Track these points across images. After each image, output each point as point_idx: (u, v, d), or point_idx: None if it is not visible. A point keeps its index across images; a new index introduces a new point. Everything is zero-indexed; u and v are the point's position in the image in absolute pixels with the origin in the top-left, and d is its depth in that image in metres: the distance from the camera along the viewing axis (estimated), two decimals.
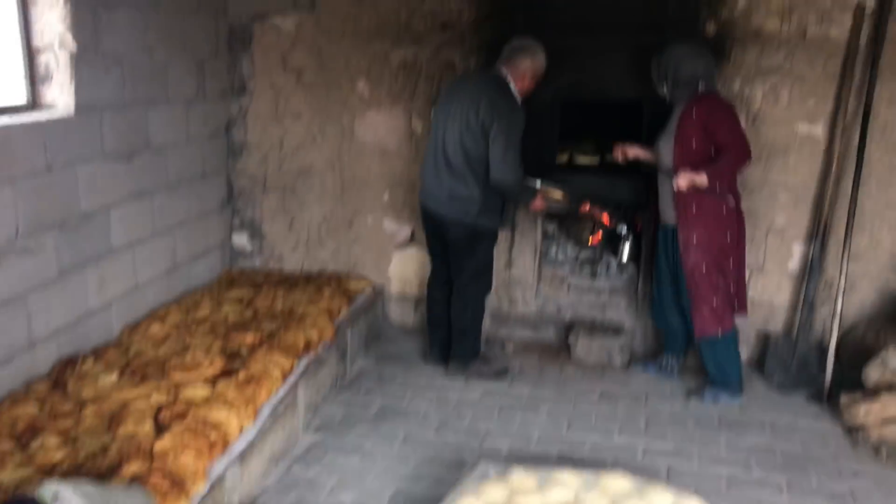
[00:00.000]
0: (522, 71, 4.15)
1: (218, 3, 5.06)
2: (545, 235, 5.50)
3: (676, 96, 4.17)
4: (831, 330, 4.38)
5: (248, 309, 4.57)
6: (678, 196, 4.11)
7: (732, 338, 4.28)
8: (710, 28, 4.60)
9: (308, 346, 4.10)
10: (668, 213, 4.30)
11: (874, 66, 4.33)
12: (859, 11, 4.34)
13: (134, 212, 4.30)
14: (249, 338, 4.04)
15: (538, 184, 4.67)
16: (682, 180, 4.01)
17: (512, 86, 4.14)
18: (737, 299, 4.26)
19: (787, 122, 4.58)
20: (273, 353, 3.84)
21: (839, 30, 4.41)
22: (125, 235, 4.23)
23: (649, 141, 4.70)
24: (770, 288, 4.79)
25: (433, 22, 4.96)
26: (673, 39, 4.42)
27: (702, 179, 3.98)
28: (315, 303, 4.67)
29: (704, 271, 4.13)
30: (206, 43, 4.96)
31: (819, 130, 4.54)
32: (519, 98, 4.17)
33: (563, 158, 5.25)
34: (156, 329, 4.16)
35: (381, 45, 5.06)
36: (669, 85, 4.15)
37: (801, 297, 4.67)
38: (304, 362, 4.00)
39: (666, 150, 4.21)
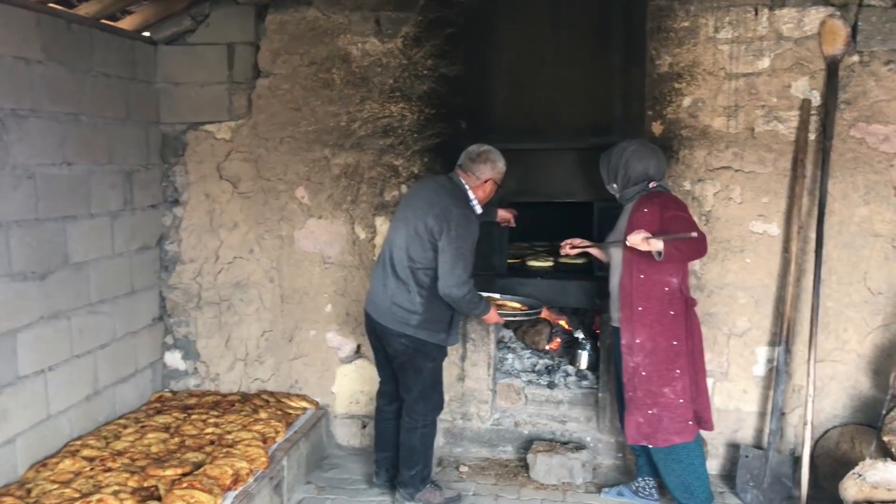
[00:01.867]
0: (483, 179, 3.96)
1: (149, 111, 4.86)
2: (500, 343, 5.22)
3: (627, 195, 3.92)
4: (804, 440, 4.10)
5: (175, 437, 4.17)
6: (622, 293, 3.81)
7: (687, 450, 3.85)
8: (657, 128, 4.49)
9: (237, 480, 3.70)
10: (615, 314, 3.96)
11: (825, 162, 4.22)
12: (806, 106, 4.25)
13: (47, 335, 3.95)
14: (170, 473, 3.63)
15: (499, 298, 4.48)
16: (636, 236, 3.55)
17: (470, 194, 3.93)
18: (693, 415, 3.81)
19: (741, 221, 4.43)
20: (194, 490, 3.44)
21: (787, 126, 4.32)
22: (35, 362, 3.86)
23: (601, 238, 4.55)
24: (735, 395, 4.53)
25: (375, 126, 4.81)
26: (621, 138, 4.32)
27: (657, 245, 3.52)
28: (249, 427, 4.30)
29: (644, 375, 3.78)
30: (136, 153, 4.73)
31: (774, 228, 4.39)
32: (479, 207, 3.96)
33: (514, 262, 5.04)
34: (66, 466, 3.75)
35: (321, 151, 4.88)
36: (619, 184, 3.93)
37: (770, 404, 4.41)
38: (230, 499, 3.59)
39: (615, 248, 3.92)
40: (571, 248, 4.25)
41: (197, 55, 4.90)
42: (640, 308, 3.74)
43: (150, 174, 4.89)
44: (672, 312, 3.75)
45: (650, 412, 3.79)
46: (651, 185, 3.85)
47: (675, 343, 3.74)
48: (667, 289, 3.72)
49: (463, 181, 3.95)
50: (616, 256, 3.91)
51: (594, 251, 4.26)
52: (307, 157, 4.89)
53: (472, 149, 4.01)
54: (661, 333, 3.73)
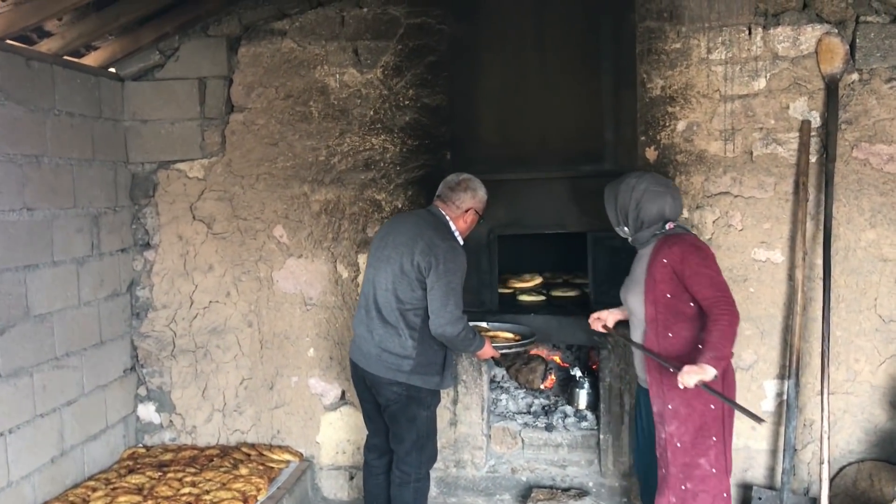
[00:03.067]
0: (464, 209, 3.72)
1: (117, 150, 4.61)
2: (493, 383, 4.97)
3: (640, 239, 3.42)
4: (819, 478, 3.87)
5: (148, 500, 3.87)
6: (655, 357, 3.29)
7: None
8: (650, 154, 4.30)
9: None
10: (642, 374, 3.48)
11: (828, 185, 4.04)
12: (805, 127, 4.08)
13: (6, 394, 3.66)
14: None
15: (486, 326, 4.24)
16: (689, 378, 3.02)
17: (451, 226, 3.70)
18: (725, 492, 3.30)
19: (743, 249, 4.23)
20: None
21: (786, 148, 4.14)
22: None
23: (596, 273, 4.34)
24: (744, 432, 4.28)
25: (355, 160, 4.59)
26: (613, 165, 4.13)
27: (709, 374, 3.00)
28: (228, 485, 4.02)
29: (679, 447, 3.26)
30: (103, 194, 4.46)
31: (778, 255, 4.19)
32: (461, 238, 3.72)
33: (505, 297, 4.81)
34: None
35: (299, 188, 4.64)
36: (631, 227, 3.43)
37: (781, 440, 4.17)
38: None
39: (635, 302, 3.41)
40: (604, 328, 3.74)
41: (166, 90, 4.67)
42: (672, 370, 3.17)
43: (118, 217, 4.62)
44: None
45: (683, 487, 3.26)
46: (668, 226, 3.36)
47: (712, 407, 3.23)
48: (700, 346, 3.15)
49: (443, 212, 3.72)
50: (637, 311, 3.42)
51: (623, 316, 3.70)
52: (285, 194, 4.65)
53: (451, 178, 3.79)
54: (695, 396, 3.20)
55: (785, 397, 4.17)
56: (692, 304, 3.23)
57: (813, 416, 4.17)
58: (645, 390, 3.47)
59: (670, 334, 3.26)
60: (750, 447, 4.29)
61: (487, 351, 3.81)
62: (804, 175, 4.09)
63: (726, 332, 3.07)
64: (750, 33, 4.15)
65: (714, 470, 3.26)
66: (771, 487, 4.20)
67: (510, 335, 4.22)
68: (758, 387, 4.25)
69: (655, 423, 3.35)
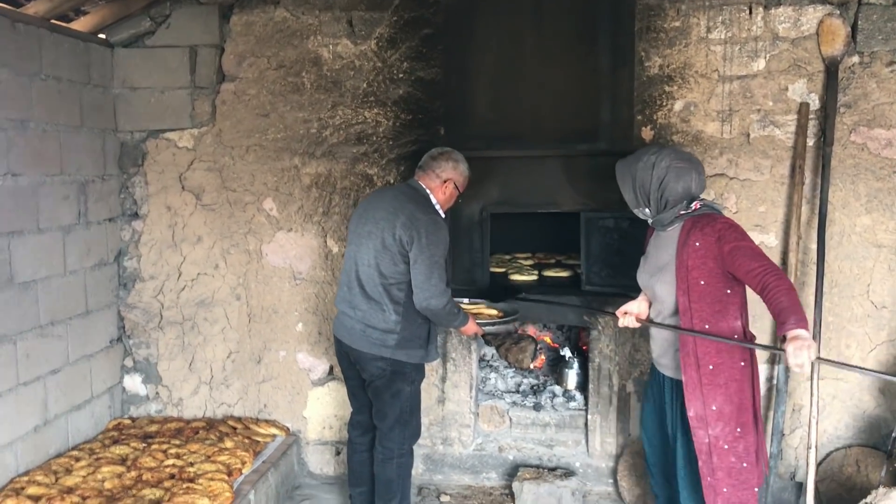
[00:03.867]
0: (444, 178, 3.66)
1: (105, 118, 4.54)
2: (482, 362, 4.94)
3: (664, 220, 3.17)
4: (807, 464, 3.85)
5: (132, 471, 3.83)
6: (682, 351, 3.08)
7: None
8: (646, 133, 4.25)
9: None
10: (666, 364, 3.26)
11: (825, 169, 3.99)
12: (804, 110, 4.03)
13: None
14: None
15: (468, 303, 4.19)
16: (799, 355, 2.63)
17: (432, 198, 3.65)
18: (757, 487, 3.12)
19: None
20: None
21: (784, 131, 4.09)
22: None
23: (588, 254, 4.30)
24: None
25: (347, 133, 4.52)
26: (609, 144, 4.09)
27: (809, 338, 2.67)
28: (213, 458, 3.98)
29: (726, 448, 3.05)
30: (91, 162, 4.40)
31: (772, 239, 4.15)
32: (442, 212, 3.67)
33: (496, 276, 4.78)
34: None
35: (290, 160, 4.58)
36: (653, 208, 3.17)
37: (770, 425, 4.16)
38: None
39: (664, 291, 3.17)
40: (635, 321, 3.47)
41: (157, 58, 4.58)
42: (710, 367, 3.00)
43: (106, 185, 4.56)
44: (742, 363, 3.04)
45: (725, 490, 3.06)
46: (694, 205, 3.13)
47: (752, 399, 3.07)
48: (735, 336, 3.02)
49: (423, 185, 3.67)
50: (667, 301, 3.17)
51: (645, 306, 3.49)
52: (275, 167, 4.58)
53: (434, 149, 3.75)
54: (737, 392, 3.02)
55: (774, 382, 4.15)
56: (729, 292, 3.02)
57: (802, 402, 4.16)
58: (670, 381, 3.26)
59: (707, 326, 3.03)
60: None
61: (471, 327, 3.78)
62: (801, 158, 4.05)
63: (792, 294, 2.76)
64: (751, 13, 4.09)
65: (744, 464, 3.08)
66: None
67: (493, 312, 4.17)
68: None
69: (693, 427, 3.08)
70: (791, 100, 4.08)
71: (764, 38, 4.08)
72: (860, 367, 3.30)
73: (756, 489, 3.09)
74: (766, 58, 4.09)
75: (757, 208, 4.15)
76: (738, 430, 3.04)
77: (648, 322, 3.37)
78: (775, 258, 4.14)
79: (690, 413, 3.07)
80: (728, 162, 4.16)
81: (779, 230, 4.14)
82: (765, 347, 3.04)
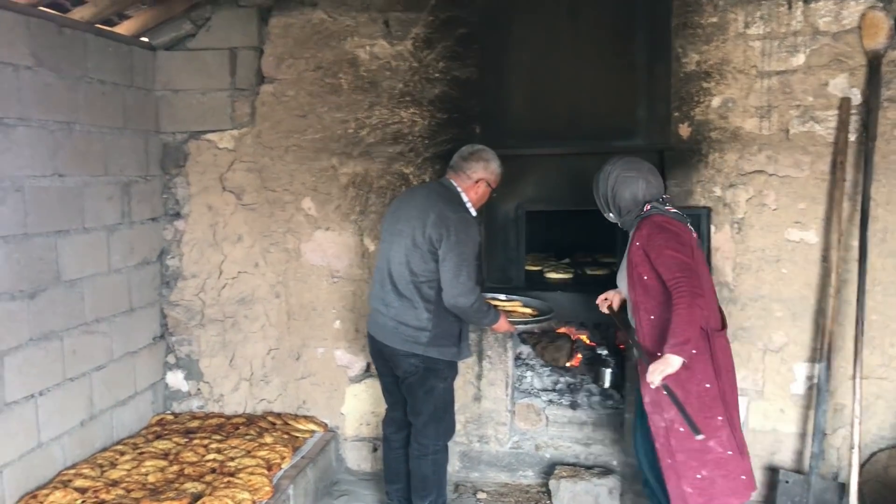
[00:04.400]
0: (475, 179, 3.69)
1: (148, 120, 4.64)
2: (518, 360, 4.95)
3: (626, 224, 3.45)
4: (850, 464, 3.79)
5: (174, 465, 3.92)
6: (639, 336, 3.27)
7: None
8: (684, 130, 4.21)
9: None
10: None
11: (867, 165, 3.93)
12: (845, 105, 3.96)
13: (37, 357, 3.72)
14: None
15: (505, 300, 4.19)
16: (652, 377, 3.01)
17: (464, 196, 3.67)
18: (744, 475, 3.20)
19: (777, 229, 4.13)
20: None
21: (824, 126, 4.03)
22: (24, 386, 3.63)
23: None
24: (772, 415, 4.22)
25: (384, 133, 4.56)
26: (646, 141, 4.07)
27: (673, 364, 2.97)
28: (253, 453, 4.05)
29: (683, 431, 3.11)
30: (134, 163, 4.50)
31: (812, 236, 4.09)
32: (473, 210, 3.69)
33: (532, 274, 4.78)
34: (57, 498, 3.50)
35: (328, 160, 4.63)
36: (615, 213, 3.47)
37: (810, 424, 4.10)
38: None
39: (622, 285, 3.45)
40: (609, 308, 3.69)
41: (198, 61, 4.68)
42: (659, 354, 3.08)
43: (149, 186, 4.66)
44: (694, 351, 3.08)
45: (698, 476, 3.14)
46: (646, 207, 3.33)
47: (707, 386, 3.15)
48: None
49: (455, 183, 3.69)
50: (628, 295, 3.39)
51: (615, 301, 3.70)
52: (314, 167, 4.65)
53: (465, 149, 3.76)
54: (688, 378, 3.11)
55: (815, 381, 4.09)
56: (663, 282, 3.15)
57: (844, 401, 4.09)
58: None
59: (652, 317, 3.21)
60: (778, 430, 4.22)
61: (503, 325, 3.78)
62: (842, 154, 3.98)
63: (684, 316, 2.98)
64: (790, 7, 4.03)
65: (729, 452, 3.16)
66: (798, 471, 4.13)
67: (528, 310, 4.17)
68: (787, 369, 4.17)
69: (649, 413, 3.24)
70: (832, 95, 4.01)
71: (804, 33, 4.02)
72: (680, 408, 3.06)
73: (744, 478, 3.18)
74: (805, 52, 4.03)
75: (797, 205, 4.09)
76: (720, 418, 3.14)
77: (616, 314, 3.61)
78: (815, 256, 4.08)
79: (646, 399, 3.26)
80: (767, 158, 4.11)
81: (819, 227, 4.07)
82: (639, 351, 3.26)
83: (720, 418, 3.15)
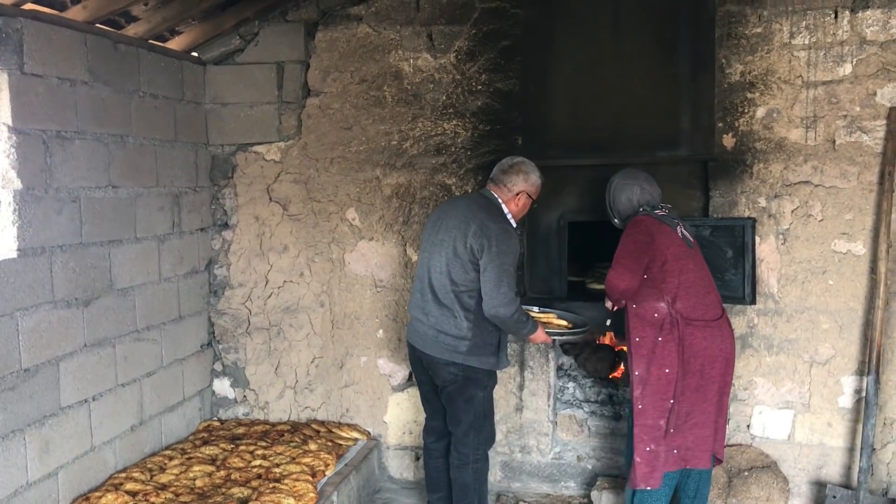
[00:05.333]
0: (515, 192, 3.72)
1: (198, 132, 4.76)
2: (560, 371, 4.95)
3: (623, 226, 3.77)
4: None
5: (221, 470, 4.00)
6: (625, 327, 3.67)
7: (654, 497, 3.56)
8: (728, 141, 4.20)
9: None
10: None
11: None
12: (893, 115, 3.92)
13: (91, 363, 3.82)
14: None
15: (539, 312, 4.20)
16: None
17: (504, 208, 3.70)
18: (679, 448, 3.52)
19: (823, 240, 4.09)
20: None
21: (872, 137, 3.99)
22: (79, 391, 3.73)
23: None
24: (819, 428, 4.17)
25: (427, 145, 4.62)
26: (690, 152, 4.07)
27: (607, 303, 3.78)
28: (298, 460, 4.11)
29: (640, 408, 3.54)
30: (184, 175, 4.62)
31: (860, 247, 4.04)
32: (514, 221, 3.72)
33: (574, 284, 4.78)
34: (108, 500, 3.60)
35: (371, 172, 4.71)
36: (619, 219, 3.82)
37: (858, 438, 4.04)
38: None
39: None
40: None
41: (246, 75, 4.80)
42: (637, 339, 3.55)
43: (198, 196, 4.78)
44: (660, 339, 3.49)
45: (648, 449, 3.52)
46: (640, 210, 3.68)
47: (667, 371, 3.48)
48: (656, 315, 3.50)
49: (495, 195, 3.72)
50: None
51: None
52: (358, 178, 4.72)
53: (505, 161, 3.80)
54: (653, 362, 3.51)
55: (864, 394, 4.03)
56: (646, 277, 3.52)
57: (893, 415, 4.03)
58: None
59: (634, 305, 3.59)
60: (825, 444, 4.17)
61: (540, 335, 3.81)
62: (891, 164, 3.94)
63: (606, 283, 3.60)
64: (836, 17, 4.01)
65: (671, 430, 3.50)
66: (847, 486, 4.07)
67: (564, 322, 4.17)
68: (835, 382, 4.12)
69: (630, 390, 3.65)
70: (880, 104, 3.97)
71: (850, 43, 3.99)
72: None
73: (676, 452, 3.52)
74: (852, 62, 4.00)
75: (843, 216, 4.05)
76: (671, 401, 3.47)
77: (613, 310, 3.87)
78: (863, 267, 4.03)
79: (630, 377, 3.63)
80: (813, 169, 4.08)
81: (867, 238, 4.02)
82: (574, 332, 4.01)
83: (671, 402, 3.49)
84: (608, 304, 3.80)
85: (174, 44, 4.59)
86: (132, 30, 4.18)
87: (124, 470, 4.01)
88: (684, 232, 3.64)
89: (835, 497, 3.97)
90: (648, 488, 3.53)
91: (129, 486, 3.77)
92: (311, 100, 4.74)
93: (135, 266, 4.17)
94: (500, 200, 3.71)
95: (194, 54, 4.76)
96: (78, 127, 3.72)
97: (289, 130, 4.78)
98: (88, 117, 3.79)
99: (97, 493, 3.68)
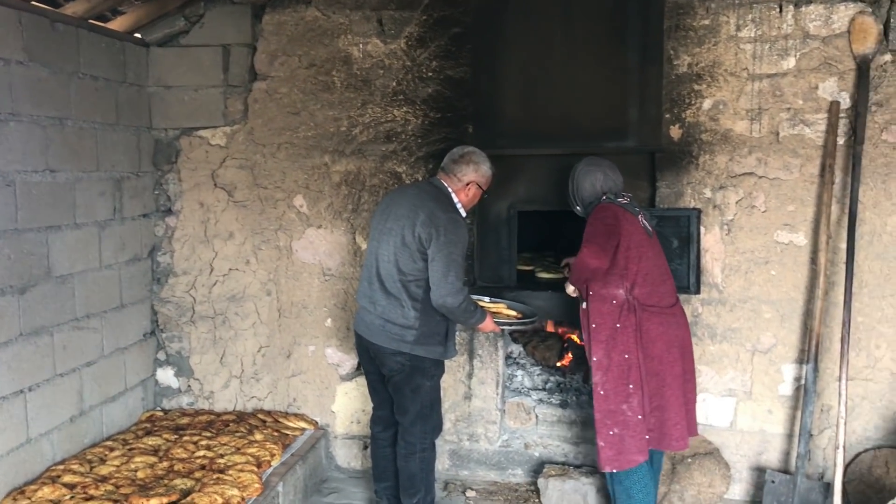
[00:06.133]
0: (465, 182, 3.70)
1: (140, 116, 4.64)
2: (508, 359, 4.97)
3: (587, 213, 3.79)
4: (835, 464, 3.83)
5: (164, 461, 3.92)
6: (581, 314, 3.69)
7: (634, 477, 3.61)
8: (675, 132, 4.24)
9: None
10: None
11: (855, 168, 3.96)
12: (834, 109, 4.00)
13: (27, 353, 3.71)
14: (155, 502, 3.38)
15: (489, 302, 4.20)
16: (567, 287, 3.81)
17: (454, 198, 3.68)
18: (650, 432, 3.57)
19: (766, 231, 4.17)
20: None
21: (814, 130, 4.07)
22: (14, 381, 3.62)
23: None
24: (760, 415, 4.26)
25: (376, 132, 4.57)
26: (638, 143, 4.10)
27: (568, 289, 3.79)
28: (243, 450, 4.06)
29: (602, 394, 3.58)
30: (126, 159, 4.50)
31: (801, 238, 4.13)
32: (464, 211, 3.71)
33: (524, 274, 4.79)
34: (45, 494, 3.50)
35: (320, 158, 4.64)
36: (581, 206, 3.83)
37: (797, 425, 4.14)
38: None
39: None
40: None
41: (191, 57, 4.68)
42: (594, 325, 3.59)
43: (141, 182, 4.66)
44: (618, 325, 3.54)
45: (611, 433, 3.57)
46: (603, 198, 3.70)
47: (626, 356, 3.54)
48: (614, 301, 3.56)
49: (445, 184, 3.71)
50: None
51: None
52: (306, 164, 4.65)
53: (455, 150, 3.78)
54: (613, 348, 3.55)
55: (803, 382, 4.12)
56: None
57: (830, 402, 4.13)
58: None
59: (591, 292, 3.61)
60: (765, 430, 4.26)
61: (488, 325, 3.81)
62: (831, 157, 4.02)
63: (575, 261, 3.60)
64: (781, 11, 4.07)
65: (639, 416, 3.53)
66: (785, 471, 4.17)
67: (513, 312, 4.19)
68: (776, 370, 4.21)
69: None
70: (821, 98, 4.05)
71: (794, 37, 4.06)
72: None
73: (647, 437, 3.56)
74: (796, 56, 4.06)
75: (786, 207, 4.13)
76: (631, 386, 3.52)
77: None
78: (804, 258, 4.12)
79: (590, 364, 3.67)
80: (757, 161, 4.15)
81: (808, 229, 4.11)
82: (523, 322, 4.05)
83: (631, 386, 3.53)
84: (570, 290, 3.81)
85: (116, 24, 4.46)
86: (71, 9, 4.04)
87: (63, 462, 3.91)
88: (645, 221, 3.70)
89: (773, 482, 4.07)
90: (617, 469, 3.57)
91: (68, 478, 3.67)
92: (258, 84, 4.66)
93: (74, 253, 4.06)
94: (450, 190, 3.69)
95: (137, 35, 4.63)
96: (12, 108, 3.60)
97: (235, 115, 4.69)
98: (24, 98, 3.67)
99: (33, 487, 3.58)
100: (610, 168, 3.77)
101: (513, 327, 4.14)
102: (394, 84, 4.53)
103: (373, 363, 3.77)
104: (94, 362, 4.25)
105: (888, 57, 3.95)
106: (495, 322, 3.87)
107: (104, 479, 3.69)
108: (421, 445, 3.73)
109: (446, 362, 3.89)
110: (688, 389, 3.68)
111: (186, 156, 4.75)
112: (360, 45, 4.54)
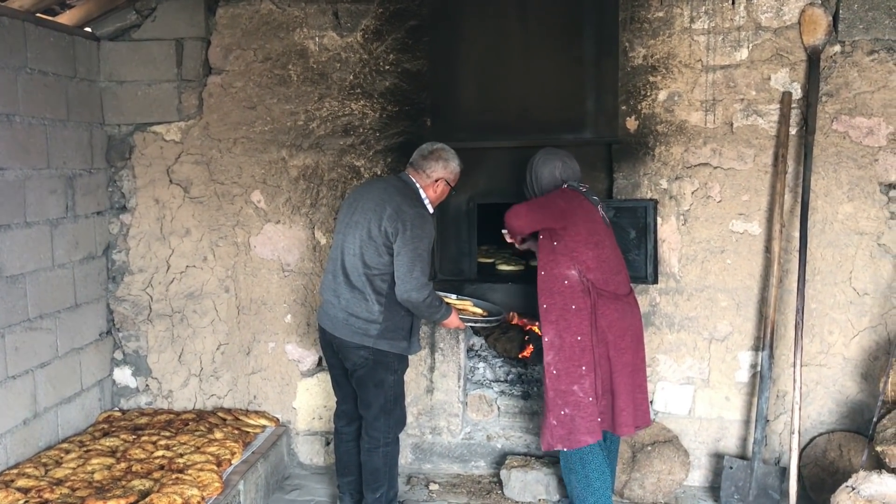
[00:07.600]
0: (434, 178, 3.70)
1: (92, 111, 4.55)
2: (470, 352, 4.98)
3: None
4: (790, 449, 3.90)
5: (122, 462, 3.86)
6: (536, 293, 3.69)
7: (583, 457, 3.65)
8: (631, 123, 4.28)
9: None
10: None
11: (807, 157, 4.03)
12: (786, 99, 4.06)
13: None
14: None
15: (456, 299, 4.21)
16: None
17: (422, 193, 3.68)
18: (601, 414, 3.61)
19: (721, 220, 4.22)
20: None
21: (767, 120, 4.13)
22: None
23: None
24: (718, 402, 4.32)
25: (334, 125, 4.54)
26: (594, 134, 4.13)
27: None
28: (203, 449, 4.01)
29: (554, 374, 3.61)
30: (78, 156, 4.41)
31: (756, 227, 4.19)
32: (431, 207, 3.70)
33: (484, 266, 4.80)
34: None
35: (277, 152, 4.60)
36: (540, 194, 3.82)
37: (754, 411, 4.21)
38: None
39: (534, 245, 3.87)
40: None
41: (143, 51, 4.60)
42: (544, 305, 3.62)
43: (94, 179, 4.57)
44: (574, 307, 3.56)
45: (563, 412, 3.60)
46: (563, 186, 3.75)
47: (579, 338, 3.57)
48: (566, 282, 3.58)
49: (414, 180, 3.70)
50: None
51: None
52: (263, 159, 4.60)
53: (425, 146, 3.78)
54: (565, 329, 3.58)
55: (759, 368, 4.19)
56: (556, 244, 3.60)
57: (786, 388, 4.20)
58: None
59: (543, 272, 3.66)
60: (723, 417, 4.32)
61: (453, 321, 3.81)
62: (784, 147, 4.08)
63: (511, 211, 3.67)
64: (733, 3, 4.12)
65: (590, 398, 3.57)
66: (742, 457, 4.23)
67: (479, 310, 4.20)
68: (732, 358, 4.27)
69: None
70: (774, 89, 4.11)
71: (747, 28, 4.11)
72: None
73: (599, 420, 3.59)
74: (748, 47, 4.12)
75: (740, 197, 4.19)
76: (583, 367, 3.56)
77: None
78: (759, 246, 4.18)
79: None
80: (712, 151, 4.20)
81: (762, 219, 4.17)
82: (488, 321, 4.10)
83: (583, 368, 3.57)
84: (507, 236, 3.92)
85: (65, 18, 4.36)
86: (17, 2, 3.94)
87: (16, 466, 3.83)
88: (603, 213, 3.74)
89: (731, 468, 4.13)
90: (567, 448, 3.62)
91: (22, 482, 3.60)
92: (213, 78, 4.60)
93: (25, 252, 3.97)
94: (418, 185, 3.68)
95: (87, 29, 4.53)
96: None
97: (189, 110, 4.62)
98: None
99: None
100: (568, 157, 3.81)
101: (478, 325, 4.15)
102: (351, 77, 4.50)
103: (336, 357, 3.75)
104: (48, 363, 4.16)
105: (837, 48, 4.02)
106: (460, 319, 3.87)
107: (60, 482, 3.63)
108: (384, 439, 3.72)
109: (409, 357, 3.88)
110: (636, 379, 3.72)
111: (140, 152, 4.67)
112: (316, 39, 4.50)
